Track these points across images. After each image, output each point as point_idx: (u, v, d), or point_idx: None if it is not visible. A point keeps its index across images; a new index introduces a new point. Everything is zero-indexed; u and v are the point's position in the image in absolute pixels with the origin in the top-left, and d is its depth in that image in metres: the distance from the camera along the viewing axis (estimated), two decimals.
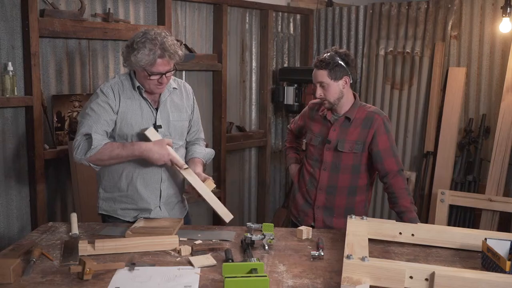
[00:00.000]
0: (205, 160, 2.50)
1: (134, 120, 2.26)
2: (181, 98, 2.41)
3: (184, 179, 2.34)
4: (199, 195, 2.25)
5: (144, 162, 2.24)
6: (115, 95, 2.25)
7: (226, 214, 2.23)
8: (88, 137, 2.18)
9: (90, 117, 2.21)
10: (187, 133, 2.49)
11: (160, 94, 2.32)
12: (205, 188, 2.25)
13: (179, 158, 2.25)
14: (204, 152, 2.50)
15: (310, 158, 2.58)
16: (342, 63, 2.42)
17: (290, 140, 2.91)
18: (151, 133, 2.22)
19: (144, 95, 2.29)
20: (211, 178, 2.31)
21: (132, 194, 2.31)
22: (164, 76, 2.21)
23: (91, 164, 2.22)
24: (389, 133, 2.47)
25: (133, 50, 2.16)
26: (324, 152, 2.49)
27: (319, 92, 2.45)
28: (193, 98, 2.49)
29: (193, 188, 2.25)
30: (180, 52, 2.24)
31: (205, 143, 2.61)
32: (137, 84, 2.27)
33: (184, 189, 2.48)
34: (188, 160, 2.44)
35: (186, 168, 2.24)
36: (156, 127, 2.29)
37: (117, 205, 2.34)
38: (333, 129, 2.48)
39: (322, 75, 2.42)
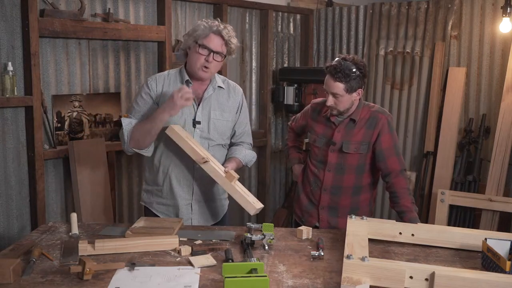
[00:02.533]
0: (244, 161, 2.45)
1: None
2: (227, 98, 2.42)
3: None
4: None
5: (179, 158, 2.31)
6: (157, 85, 2.34)
7: (250, 207, 2.16)
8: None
9: (134, 110, 2.35)
10: (233, 136, 2.47)
11: (204, 91, 2.34)
12: (226, 181, 2.20)
13: (201, 148, 2.24)
14: (243, 153, 2.45)
15: (314, 159, 2.56)
16: (360, 76, 2.35)
17: (292, 139, 2.87)
18: (170, 131, 2.24)
19: (191, 89, 2.30)
20: (232, 170, 2.24)
21: (167, 189, 2.38)
22: (212, 55, 2.22)
23: (136, 150, 2.29)
24: (393, 132, 2.45)
25: (193, 28, 2.27)
26: (329, 154, 2.46)
27: (330, 101, 2.38)
28: (241, 101, 2.47)
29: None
30: (234, 42, 2.27)
31: (251, 148, 2.56)
32: (186, 77, 2.32)
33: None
34: (226, 159, 2.42)
35: (205, 162, 2.19)
36: (195, 122, 2.32)
37: (154, 199, 2.43)
38: (337, 130, 2.45)
39: (338, 87, 2.33)
